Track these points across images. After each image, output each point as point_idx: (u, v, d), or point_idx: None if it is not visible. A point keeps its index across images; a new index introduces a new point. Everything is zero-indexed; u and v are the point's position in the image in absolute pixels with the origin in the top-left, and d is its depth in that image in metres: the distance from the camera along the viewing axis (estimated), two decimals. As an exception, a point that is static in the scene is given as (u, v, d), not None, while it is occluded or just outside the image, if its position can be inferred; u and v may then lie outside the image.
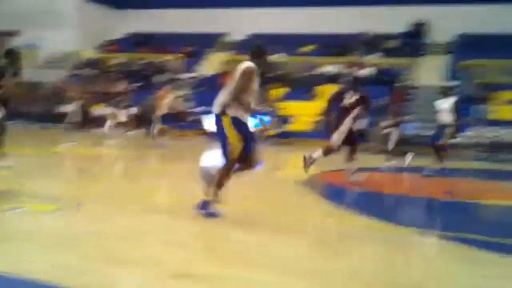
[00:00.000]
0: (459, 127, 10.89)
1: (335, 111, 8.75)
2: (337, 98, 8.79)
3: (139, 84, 22.07)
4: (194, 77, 24.32)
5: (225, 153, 5.29)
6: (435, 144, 10.72)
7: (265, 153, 11.86)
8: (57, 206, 5.48)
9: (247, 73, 5.31)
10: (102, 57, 26.85)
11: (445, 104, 10.79)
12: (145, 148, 14.56)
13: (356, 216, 6.14)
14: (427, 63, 23.18)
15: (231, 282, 3.40)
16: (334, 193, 8.44)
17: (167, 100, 16.03)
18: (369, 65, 22.62)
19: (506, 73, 20.62)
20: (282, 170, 12.26)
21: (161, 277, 3.41)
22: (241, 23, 27.41)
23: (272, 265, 3.83)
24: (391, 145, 12.17)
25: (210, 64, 25.86)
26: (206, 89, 21.88)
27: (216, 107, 5.39)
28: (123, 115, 19.16)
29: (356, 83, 9.57)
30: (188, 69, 25.36)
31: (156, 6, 28.80)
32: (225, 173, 5.33)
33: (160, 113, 15.93)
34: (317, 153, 8.52)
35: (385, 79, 21.39)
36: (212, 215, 5.24)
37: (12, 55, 8.56)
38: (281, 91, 22.00)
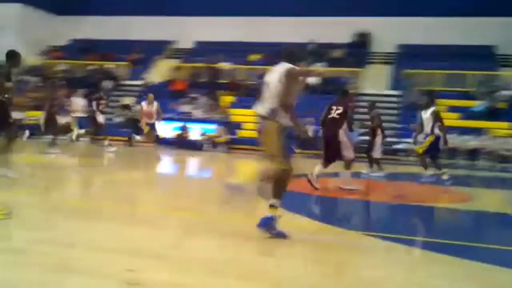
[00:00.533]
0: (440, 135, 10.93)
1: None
2: (327, 113, 9.02)
3: (84, 91, 21.67)
4: (141, 84, 24.09)
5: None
6: (431, 155, 10.72)
7: (216, 159, 11.95)
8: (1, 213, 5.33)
9: (291, 74, 4.88)
10: (46, 63, 26.19)
11: (427, 114, 10.91)
12: (93, 155, 14.29)
13: (308, 220, 6.25)
14: (371, 72, 23.86)
15: None
16: (285, 198, 8.53)
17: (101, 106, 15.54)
18: (316, 74, 23.01)
19: (445, 81, 21.50)
20: (233, 176, 12.30)
21: (115, 285, 3.36)
22: (189, 31, 27.40)
23: (226, 270, 3.85)
24: (376, 154, 12.14)
25: (158, 71, 25.69)
26: (154, 96, 21.68)
27: (262, 109, 4.99)
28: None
29: (344, 95, 9.79)
30: (135, 76, 25.11)
31: (102, 12, 28.42)
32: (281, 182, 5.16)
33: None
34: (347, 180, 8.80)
35: (331, 88, 21.84)
36: (280, 235, 4.87)
37: (15, 57, 8.07)
38: (231, 98, 22.11)
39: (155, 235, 4.93)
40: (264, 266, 4.05)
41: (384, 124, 20.19)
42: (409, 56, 23.85)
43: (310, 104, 19.93)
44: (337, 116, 8.76)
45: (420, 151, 10.69)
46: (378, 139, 12.08)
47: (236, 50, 25.28)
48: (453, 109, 18.95)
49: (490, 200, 9.08)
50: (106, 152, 14.60)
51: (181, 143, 18.92)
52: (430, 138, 10.46)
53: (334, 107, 8.90)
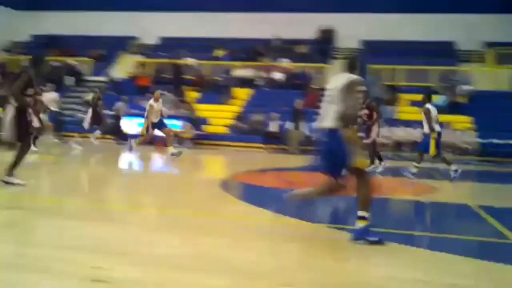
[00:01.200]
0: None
1: None
2: None
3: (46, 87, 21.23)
4: (104, 81, 23.75)
5: (335, 170, 4.90)
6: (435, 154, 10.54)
7: (182, 155, 11.90)
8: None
9: (356, 85, 4.81)
10: (7, 59, 25.54)
11: (422, 113, 10.93)
12: (55, 152, 14.04)
13: (273, 215, 6.30)
14: (335, 68, 24.09)
15: (150, 285, 3.40)
16: (250, 192, 8.58)
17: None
18: (281, 70, 23.18)
19: (408, 77, 21.90)
20: (199, 172, 12.30)
21: (80, 283, 3.34)
22: (153, 27, 27.15)
23: (194, 265, 3.86)
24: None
25: (122, 67, 25.37)
26: (117, 92, 21.47)
27: (329, 122, 4.83)
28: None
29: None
30: (99, 72, 24.74)
31: (64, 7, 27.90)
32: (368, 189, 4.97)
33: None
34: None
35: (296, 83, 22.01)
36: (378, 242, 4.73)
37: (40, 63, 7.67)
38: (196, 94, 22.02)
39: (119, 231, 4.90)
40: (231, 261, 4.07)
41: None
42: (373, 51, 24.21)
43: (276, 99, 20.05)
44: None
45: (433, 154, 10.42)
46: (375, 130, 11.89)
47: (201, 46, 25.17)
48: (415, 103, 19.30)
49: (451, 192, 9.31)
50: (72, 149, 14.38)
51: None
52: (434, 136, 10.28)
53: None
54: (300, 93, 20.47)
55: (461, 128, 18.29)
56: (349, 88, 4.76)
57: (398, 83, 21.51)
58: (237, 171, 10.91)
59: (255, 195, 8.21)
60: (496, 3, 24.36)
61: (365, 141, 11.49)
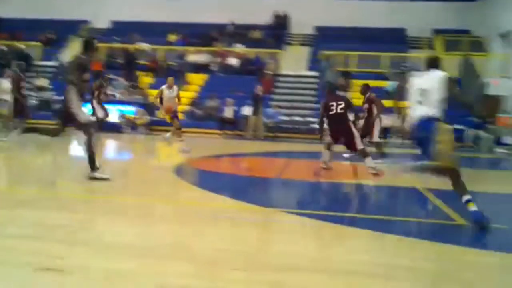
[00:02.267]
0: None
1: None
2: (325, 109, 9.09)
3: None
4: (54, 66, 23.12)
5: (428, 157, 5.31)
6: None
7: (137, 142, 11.76)
8: None
9: (452, 81, 5.48)
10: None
11: None
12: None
13: (228, 200, 6.34)
14: (289, 54, 24.23)
15: (101, 274, 3.35)
16: (205, 178, 8.59)
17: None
18: (235, 55, 23.13)
19: (360, 63, 22.24)
20: (153, 158, 12.19)
21: (27, 271, 3.28)
22: (105, 10, 26.56)
23: (152, 253, 3.85)
24: (375, 138, 11.44)
25: (72, 52, 24.68)
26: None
27: (431, 112, 5.36)
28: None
29: (332, 89, 9.94)
30: (49, 57, 24.05)
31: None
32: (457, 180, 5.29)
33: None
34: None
35: (251, 69, 22.03)
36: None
37: (92, 45, 7.29)
38: (150, 79, 21.73)
39: (72, 219, 4.83)
40: (189, 247, 4.09)
41: (303, 105, 20.82)
42: (326, 37, 24.46)
43: (231, 85, 20.03)
44: (342, 111, 8.99)
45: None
46: (378, 122, 11.46)
47: (155, 30, 24.81)
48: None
49: (401, 176, 9.56)
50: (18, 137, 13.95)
51: (99, 126, 18.40)
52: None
53: (334, 103, 9.05)
54: (255, 78, 20.51)
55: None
56: (447, 83, 5.39)
57: (351, 69, 21.83)
58: (192, 157, 10.88)
59: (210, 181, 8.22)
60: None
61: (368, 140, 11.21)
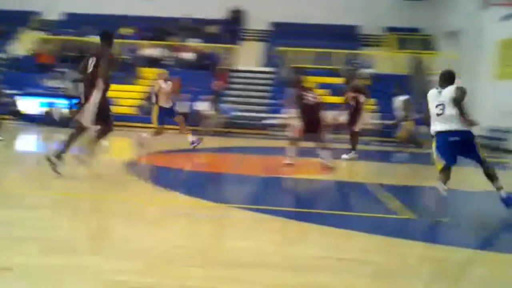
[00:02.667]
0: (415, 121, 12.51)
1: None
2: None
3: None
4: (3, 58, 22.43)
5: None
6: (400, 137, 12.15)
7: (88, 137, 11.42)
8: None
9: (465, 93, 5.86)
10: None
11: (398, 103, 12.53)
12: None
13: (179, 196, 6.36)
14: (245, 49, 24.27)
15: (50, 270, 3.34)
16: (158, 175, 8.57)
17: None
18: (191, 50, 23.03)
19: (314, 59, 22.49)
20: (105, 154, 12.01)
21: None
22: (56, 2, 25.90)
23: (105, 250, 3.85)
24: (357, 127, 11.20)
25: (22, 44, 24.04)
26: (17, 70, 20.41)
27: (461, 126, 5.84)
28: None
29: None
30: (-4, 49, 23.30)
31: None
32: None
33: None
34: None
35: (206, 63, 21.97)
36: None
37: (111, 38, 7.11)
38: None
39: (21, 217, 4.76)
40: (143, 244, 4.10)
41: (258, 101, 20.93)
42: (282, 33, 24.64)
43: (186, 80, 19.92)
44: (315, 101, 9.25)
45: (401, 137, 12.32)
46: (363, 112, 11.35)
47: (108, 23, 24.35)
48: (321, 86, 19.94)
49: (351, 171, 9.81)
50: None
51: (49, 120, 18.02)
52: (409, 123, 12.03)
53: (306, 93, 9.28)
54: (210, 73, 20.49)
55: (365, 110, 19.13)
56: (463, 95, 5.89)
57: (305, 65, 22.05)
58: (145, 152, 10.82)
59: (164, 177, 8.21)
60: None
61: (353, 128, 11.12)
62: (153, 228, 4.67)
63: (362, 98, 11.15)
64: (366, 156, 11.53)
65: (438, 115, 5.94)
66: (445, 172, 5.87)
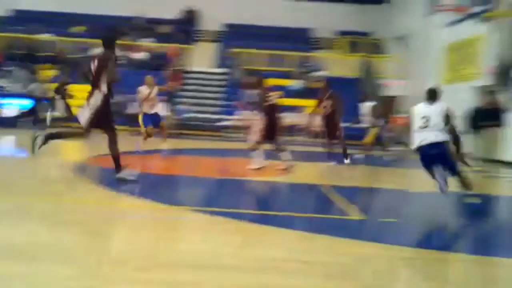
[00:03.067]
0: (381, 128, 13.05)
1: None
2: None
3: None
4: None
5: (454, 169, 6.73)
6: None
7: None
8: None
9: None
10: None
11: (366, 108, 12.82)
12: None
13: (131, 198, 6.31)
14: (198, 50, 24.21)
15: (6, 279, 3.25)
16: (109, 177, 8.43)
17: None
18: (143, 49, 22.80)
19: (267, 61, 22.66)
20: (52, 155, 11.74)
21: None
22: (2, -2, 25.14)
23: (48, 255, 3.75)
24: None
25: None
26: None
27: (440, 137, 6.62)
28: None
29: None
30: None
31: None
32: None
33: None
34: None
35: (159, 64, 21.78)
36: None
37: (115, 40, 6.99)
38: (52, 72, 20.85)
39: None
40: (88, 248, 4.06)
41: (211, 102, 20.92)
42: (235, 35, 24.73)
43: (138, 80, 19.68)
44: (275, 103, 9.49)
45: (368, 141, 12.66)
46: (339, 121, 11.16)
47: (58, 21, 23.84)
48: (275, 88, 20.13)
49: (305, 173, 9.95)
50: None
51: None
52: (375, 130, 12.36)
53: (271, 94, 9.58)
54: (163, 74, 20.32)
55: (315, 112, 19.40)
56: (447, 112, 6.70)
57: (258, 67, 22.20)
58: (94, 154, 10.62)
59: (113, 179, 8.10)
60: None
61: (336, 137, 10.98)
62: (103, 232, 4.63)
63: (337, 106, 11.08)
64: (318, 158, 11.72)
65: (421, 127, 6.67)
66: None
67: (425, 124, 6.65)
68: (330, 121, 11.03)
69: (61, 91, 16.09)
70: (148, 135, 11.45)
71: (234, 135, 18.51)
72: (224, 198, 7.02)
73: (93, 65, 6.95)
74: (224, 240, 4.62)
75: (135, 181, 7.05)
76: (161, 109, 12.29)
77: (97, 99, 6.80)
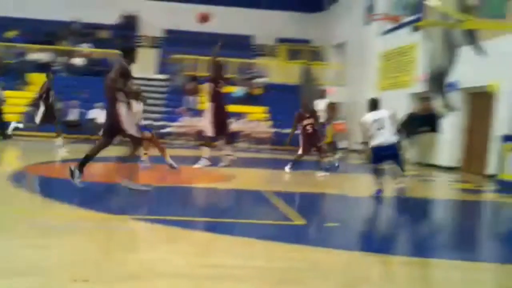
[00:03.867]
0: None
1: None
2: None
3: None
4: None
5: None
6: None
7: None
8: None
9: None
10: None
11: (322, 105, 12.83)
12: None
13: (70, 207, 6.14)
14: (139, 56, 23.87)
15: None
16: (47, 186, 8.21)
17: None
18: (81, 55, 22.30)
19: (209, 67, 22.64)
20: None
21: None
22: None
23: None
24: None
25: None
26: None
27: (394, 138, 7.84)
28: None
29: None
30: None
31: None
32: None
33: None
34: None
35: (98, 70, 21.35)
36: None
37: (133, 53, 6.52)
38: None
39: None
40: (31, 259, 3.95)
41: (152, 108, 20.65)
42: (175, 41, 24.60)
43: (75, 86, 19.25)
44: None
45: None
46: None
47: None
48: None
49: (247, 179, 10.02)
50: None
51: None
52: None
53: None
54: (102, 80, 19.92)
55: (257, 119, 19.60)
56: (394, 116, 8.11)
57: (199, 74, 22.17)
58: (31, 162, 10.30)
59: (53, 188, 7.89)
60: (289, 2, 26.55)
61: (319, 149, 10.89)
62: (37, 243, 4.49)
63: (317, 123, 11.05)
64: (258, 164, 11.82)
65: (378, 129, 7.74)
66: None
67: (380, 126, 7.76)
68: (312, 137, 10.79)
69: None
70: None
71: (176, 141, 18.39)
72: (167, 206, 6.94)
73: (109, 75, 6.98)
74: (173, 249, 4.58)
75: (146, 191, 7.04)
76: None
77: (122, 110, 6.88)
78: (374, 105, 8.16)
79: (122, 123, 6.89)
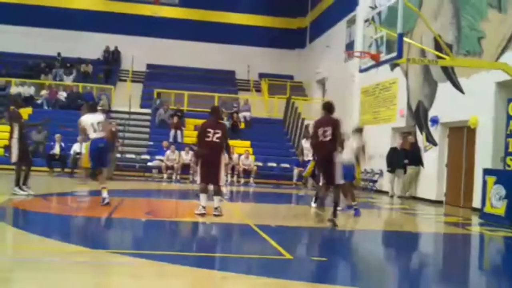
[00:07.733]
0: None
1: None
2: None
3: None
4: None
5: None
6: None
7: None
8: None
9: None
10: None
11: (307, 144, 12.13)
12: None
13: (53, 242, 6.03)
14: (121, 90, 23.97)
15: None
16: (30, 220, 8.09)
17: None
18: (64, 89, 22.31)
19: (193, 102, 22.83)
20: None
21: None
22: None
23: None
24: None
25: None
26: None
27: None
28: None
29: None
30: None
31: None
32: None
33: None
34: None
35: (81, 104, 21.30)
36: None
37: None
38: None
39: None
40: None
41: (136, 142, 20.61)
42: (158, 76, 24.84)
43: (59, 120, 19.16)
44: (217, 141, 8.45)
45: (307, 175, 12.73)
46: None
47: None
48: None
49: (232, 213, 9.98)
50: None
51: None
52: (313, 163, 10.91)
53: (211, 130, 8.45)
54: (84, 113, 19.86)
55: (241, 152, 19.62)
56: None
57: (184, 108, 22.29)
58: (14, 197, 10.16)
59: (36, 223, 7.78)
60: (272, 39, 27.08)
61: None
62: (14, 278, 4.40)
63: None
64: (243, 197, 11.80)
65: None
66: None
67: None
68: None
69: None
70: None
71: (159, 175, 18.30)
72: (152, 240, 6.83)
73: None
74: (162, 285, 4.52)
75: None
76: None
77: None
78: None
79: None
